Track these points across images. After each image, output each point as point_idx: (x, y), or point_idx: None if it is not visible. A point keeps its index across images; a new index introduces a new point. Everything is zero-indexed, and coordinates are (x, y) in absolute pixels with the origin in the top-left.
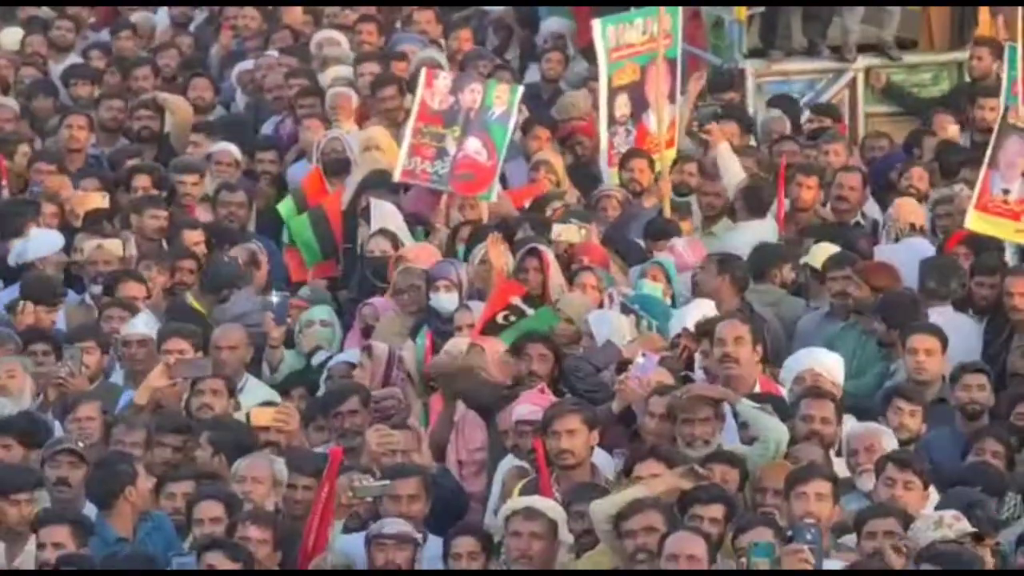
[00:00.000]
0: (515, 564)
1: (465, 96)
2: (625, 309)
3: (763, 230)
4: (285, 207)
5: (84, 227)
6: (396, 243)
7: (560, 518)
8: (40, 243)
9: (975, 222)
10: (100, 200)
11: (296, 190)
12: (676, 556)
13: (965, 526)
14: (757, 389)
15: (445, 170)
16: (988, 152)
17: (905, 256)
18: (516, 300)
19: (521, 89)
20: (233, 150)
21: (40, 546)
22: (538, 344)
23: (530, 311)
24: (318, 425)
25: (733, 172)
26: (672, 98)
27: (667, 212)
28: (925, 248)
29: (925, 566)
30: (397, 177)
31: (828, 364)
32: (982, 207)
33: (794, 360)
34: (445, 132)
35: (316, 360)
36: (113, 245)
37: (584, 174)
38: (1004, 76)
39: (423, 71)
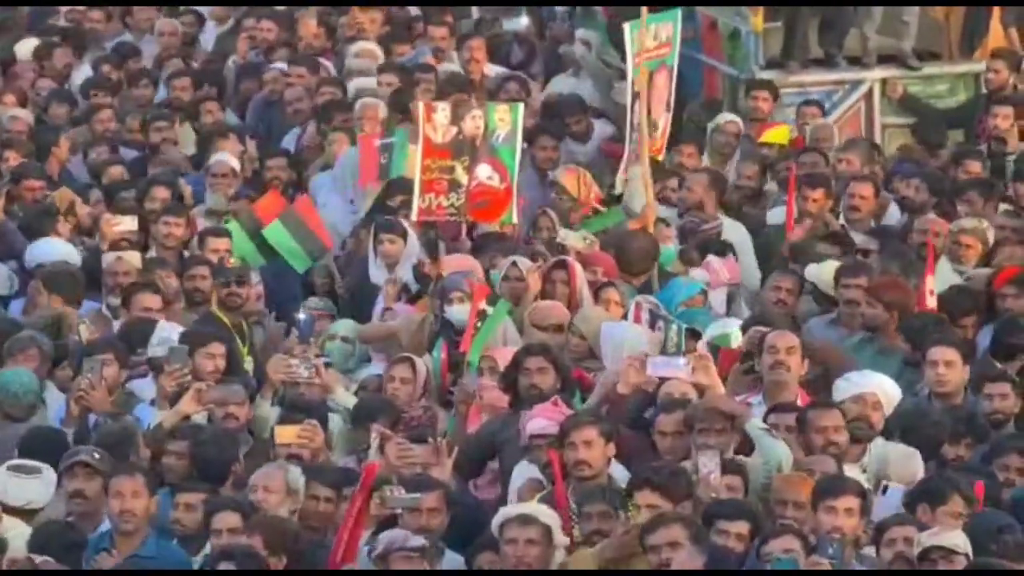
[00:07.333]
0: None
1: (467, 124)
2: (655, 318)
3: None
4: (233, 227)
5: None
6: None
7: (554, 523)
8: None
9: None
10: (131, 224)
11: (247, 212)
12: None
13: None
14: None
15: (460, 201)
16: None
17: None
18: (483, 305)
19: (522, 107)
20: (230, 160)
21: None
22: (536, 357)
23: (490, 309)
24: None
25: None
26: (668, 106)
27: (651, 229)
28: None
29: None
30: (414, 217)
31: (889, 392)
32: None
33: (856, 378)
34: (454, 163)
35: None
36: (131, 256)
37: None
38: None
39: (421, 105)
